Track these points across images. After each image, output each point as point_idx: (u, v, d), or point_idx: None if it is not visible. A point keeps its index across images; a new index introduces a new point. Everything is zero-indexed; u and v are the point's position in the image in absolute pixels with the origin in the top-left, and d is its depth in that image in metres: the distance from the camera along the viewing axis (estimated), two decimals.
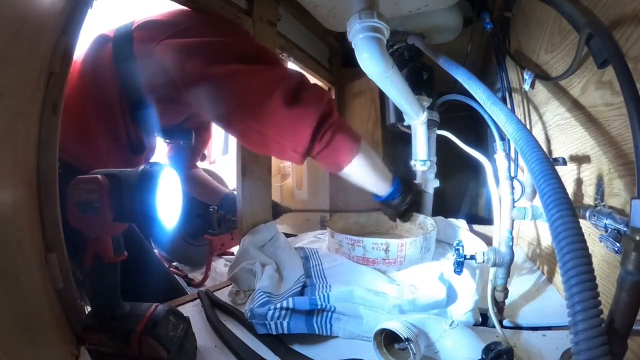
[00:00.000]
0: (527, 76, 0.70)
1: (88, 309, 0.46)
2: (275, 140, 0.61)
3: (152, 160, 0.92)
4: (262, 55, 0.65)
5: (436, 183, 0.83)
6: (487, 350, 0.39)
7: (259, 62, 0.62)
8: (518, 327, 0.54)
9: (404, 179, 0.75)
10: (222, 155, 2.03)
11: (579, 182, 0.56)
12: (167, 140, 0.97)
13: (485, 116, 0.60)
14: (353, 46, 0.52)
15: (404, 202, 0.74)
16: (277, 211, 1.01)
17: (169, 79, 0.65)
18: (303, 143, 0.60)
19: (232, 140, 0.76)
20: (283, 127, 0.59)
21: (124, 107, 0.73)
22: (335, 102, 0.64)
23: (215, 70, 0.60)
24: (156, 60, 0.65)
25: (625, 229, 0.37)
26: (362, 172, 0.67)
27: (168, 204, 0.42)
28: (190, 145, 0.98)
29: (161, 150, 1.14)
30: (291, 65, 1.14)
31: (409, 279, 0.67)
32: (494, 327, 0.51)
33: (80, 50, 0.74)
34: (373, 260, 0.72)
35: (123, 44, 0.69)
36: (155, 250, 1.14)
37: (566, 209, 0.27)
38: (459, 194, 1.41)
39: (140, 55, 0.68)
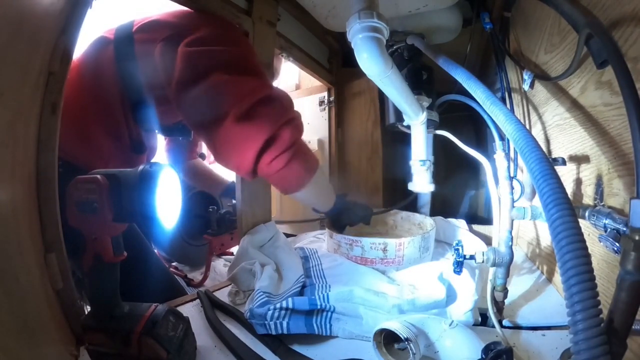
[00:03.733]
0: (527, 76, 0.70)
1: (88, 309, 0.46)
2: (220, 155, 0.60)
3: (153, 160, 0.92)
4: (244, 66, 0.63)
5: (432, 187, 0.83)
6: (486, 350, 0.39)
7: (236, 73, 0.60)
8: (517, 327, 0.54)
9: (344, 202, 0.83)
10: None
11: (578, 182, 0.56)
12: (166, 137, 0.98)
13: (485, 116, 0.60)
14: (352, 46, 0.52)
15: (341, 221, 0.83)
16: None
17: (167, 79, 0.66)
18: (246, 163, 0.58)
19: None
20: (228, 143, 0.58)
21: (126, 108, 0.73)
22: (299, 123, 0.64)
23: (204, 78, 0.59)
24: (155, 61, 0.65)
25: (624, 229, 0.37)
26: (307, 198, 0.71)
27: (167, 204, 0.42)
28: (189, 140, 0.98)
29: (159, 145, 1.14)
30: (291, 66, 1.14)
31: (408, 278, 0.67)
32: (493, 327, 0.51)
33: (79, 51, 0.74)
34: (371, 260, 0.72)
35: (124, 46, 0.70)
36: (155, 250, 1.14)
37: (565, 209, 0.27)
38: (459, 194, 1.41)
39: (142, 56, 0.68)
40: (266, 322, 0.51)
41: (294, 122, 0.62)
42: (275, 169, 0.60)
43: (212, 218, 1.10)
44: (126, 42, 0.70)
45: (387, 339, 0.46)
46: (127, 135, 0.76)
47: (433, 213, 1.06)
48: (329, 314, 0.52)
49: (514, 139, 0.36)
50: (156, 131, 0.87)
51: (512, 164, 0.63)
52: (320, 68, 1.27)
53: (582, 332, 0.25)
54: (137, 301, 0.46)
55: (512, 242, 0.53)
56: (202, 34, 0.64)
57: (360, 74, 0.63)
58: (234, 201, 1.07)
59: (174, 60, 0.62)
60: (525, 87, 0.72)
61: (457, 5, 0.82)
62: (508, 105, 0.79)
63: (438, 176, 0.88)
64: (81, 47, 0.76)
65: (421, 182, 0.83)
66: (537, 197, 0.64)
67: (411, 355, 0.42)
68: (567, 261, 0.26)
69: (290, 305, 0.52)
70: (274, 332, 0.50)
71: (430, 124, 0.84)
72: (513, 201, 0.55)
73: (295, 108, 0.66)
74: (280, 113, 0.60)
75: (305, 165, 0.64)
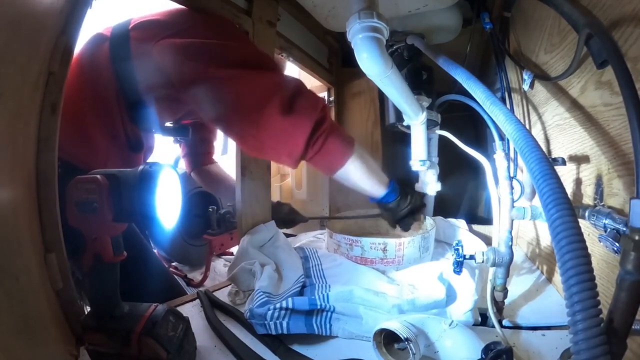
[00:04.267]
0: (527, 76, 0.70)
1: (87, 309, 0.46)
2: (271, 147, 0.63)
3: (150, 159, 0.92)
4: (261, 60, 0.66)
5: (438, 187, 0.83)
6: (486, 350, 0.39)
7: (257, 68, 0.63)
8: (517, 327, 0.54)
9: (402, 183, 0.75)
10: (221, 155, 2.03)
11: (578, 182, 0.56)
12: (165, 137, 0.98)
13: (485, 116, 0.60)
14: (352, 46, 0.52)
15: (402, 207, 0.73)
16: (294, 219, 1.02)
17: (166, 79, 0.66)
18: (297, 150, 0.62)
19: (232, 141, 0.77)
20: (278, 135, 0.61)
21: (122, 106, 0.73)
22: (329, 107, 0.67)
23: (213, 73, 0.61)
24: (154, 60, 0.65)
25: (624, 229, 0.37)
26: (356, 175, 0.68)
27: (167, 204, 0.42)
28: (187, 140, 0.98)
29: (169, 150, 1.15)
30: (290, 66, 1.14)
31: (408, 278, 0.67)
32: (493, 326, 0.51)
33: (76, 49, 0.74)
34: (371, 260, 0.72)
35: (120, 44, 0.69)
36: (155, 250, 1.14)
37: (565, 209, 0.27)
38: (459, 194, 1.41)
39: (138, 54, 0.68)
40: (266, 322, 0.51)
41: (326, 106, 0.67)
42: (317, 149, 0.63)
43: (212, 218, 1.10)
44: (122, 39, 0.69)
45: (387, 339, 0.46)
46: (124, 134, 0.76)
47: (433, 213, 1.06)
48: (329, 314, 0.52)
49: (514, 139, 0.36)
50: (154, 131, 0.86)
51: (512, 164, 0.63)
52: (320, 68, 1.27)
53: (582, 332, 0.25)
54: (136, 301, 0.46)
55: (512, 242, 0.53)
56: (207, 31, 0.65)
57: (360, 74, 0.63)
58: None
59: (176, 57, 0.62)
60: (525, 87, 0.72)
61: (457, 5, 0.82)
62: (508, 105, 0.79)
63: (438, 176, 0.88)
64: (79, 45, 0.76)
65: (428, 182, 0.83)
66: (537, 197, 0.64)
67: (411, 355, 0.42)
68: (567, 261, 0.26)
69: (290, 305, 0.52)
70: (273, 332, 0.50)
71: (431, 124, 0.84)
72: (513, 201, 0.55)
73: None
74: (315, 101, 0.65)
75: (343, 138, 0.66)
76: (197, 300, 0.65)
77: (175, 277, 1.03)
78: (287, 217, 1.02)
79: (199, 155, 1.13)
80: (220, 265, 1.25)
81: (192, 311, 0.61)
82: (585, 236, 0.27)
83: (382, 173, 0.73)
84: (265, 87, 0.61)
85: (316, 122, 0.61)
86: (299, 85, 0.65)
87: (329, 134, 0.63)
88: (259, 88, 0.61)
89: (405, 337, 0.42)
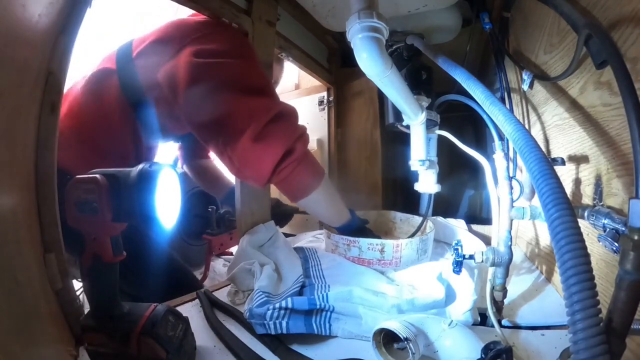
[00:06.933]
0: (526, 76, 0.70)
1: (87, 309, 0.46)
2: (237, 169, 0.66)
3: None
4: (254, 83, 0.67)
5: (438, 188, 0.83)
6: (486, 349, 0.39)
7: (249, 92, 0.64)
8: (517, 327, 0.54)
9: (361, 221, 0.84)
10: None
11: (577, 182, 0.56)
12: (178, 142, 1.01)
13: (484, 116, 0.60)
14: (352, 46, 0.52)
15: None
16: (283, 211, 1.02)
17: (173, 99, 0.68)
18: (263, 176, 0.65)
19: None
20: (247, 160, 0.63)
21: (136, 135, 0.76)
22: (306, 137, 0.70)
23: (203, 94, 0.63)
24: (161, 86, 0.68)
25: (623, 229, 0.37)
26: (317, 207, 0.74)
27: (167, 204, 0.42)
28: (190, 143, 0.99)
29: (168, 149, 1.15)
30: (290, 65, 1.14)
31: (407, 278, 0.67)
32: (492, 326, 0.51)
33: (79, 84, 0.76)
34: (369, 261, 0.72)
35: (128, 76, 0.72)
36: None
37: (565, 209, 0.27)
38: (459, 194, 1.42)
39: (147, 84, 0.70)
40: (265, 321, 0.51)
41: (303, 136, 0.68)
42: (283, 176, 0.65)
43: (212, 218, 1.10)
44: (129, 71, 0.72)
45: (386, 338, 0.46)
46: (134, 155, 0.78)
47: (433, 213, 1.06)
48: (328, 313, 0.52)
49: (514, 139, 0.36)
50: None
51: (511, 164, 0.63)
52: (319, 68, 1.27)
53: (582, 332, 0.25)
54: (148, 298, 0.46)
55: (511, 241, 0.54)
56: (208, 46, 0.66)
57: (359, 73, 0.63)
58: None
59: (175, 79, 0.64)
60: (525, 87, 0.72)
61: (456, 5, 0.82)
62: (507, 106, 0.79)
63: (438, 176, 0.88)
64: (79, 76, 0.78)
65: (427, 182, 0.83)
66: (536, 197, 0.64)
67: (410, 355, 0.42)
68: (567, 261, 0.26)
69: (290, 305, 0.52)
70: (273, 332, 0.50)
71: (430, 124, 0.84)
72: (512, 201, 0.55)
73: (295, 108, 0.70)
74: (292, 129, 0.66)
75: (312, 170, 0.69)
76: (197, 300, 0.65)
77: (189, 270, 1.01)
78: (274, 210, 0.99)
79: (194, 148, 1.13)
80: (219, 265, 1.25)
81: (191, 311, 0.61)
82: (585, 236, 0.27)
83: (343, 206, 0.78)
84: (249, 113, 0.62)
85: (286, 151, 0.63)
86: (282, 111, 0.66)
87: (298, 164, 0.65)
88: (243, 113, 0.62)
89: (405, 336, 0.42)
